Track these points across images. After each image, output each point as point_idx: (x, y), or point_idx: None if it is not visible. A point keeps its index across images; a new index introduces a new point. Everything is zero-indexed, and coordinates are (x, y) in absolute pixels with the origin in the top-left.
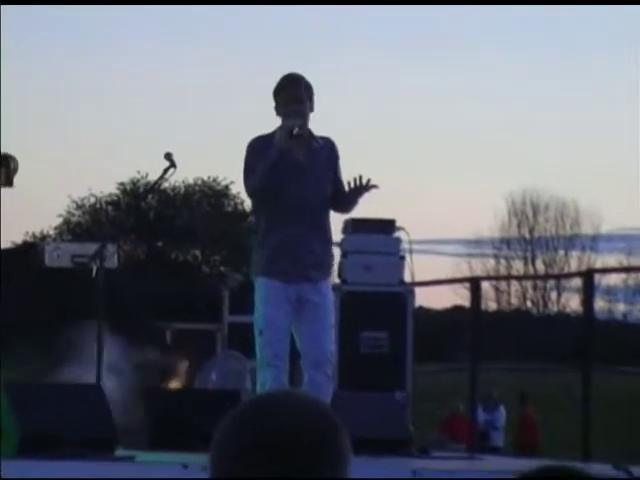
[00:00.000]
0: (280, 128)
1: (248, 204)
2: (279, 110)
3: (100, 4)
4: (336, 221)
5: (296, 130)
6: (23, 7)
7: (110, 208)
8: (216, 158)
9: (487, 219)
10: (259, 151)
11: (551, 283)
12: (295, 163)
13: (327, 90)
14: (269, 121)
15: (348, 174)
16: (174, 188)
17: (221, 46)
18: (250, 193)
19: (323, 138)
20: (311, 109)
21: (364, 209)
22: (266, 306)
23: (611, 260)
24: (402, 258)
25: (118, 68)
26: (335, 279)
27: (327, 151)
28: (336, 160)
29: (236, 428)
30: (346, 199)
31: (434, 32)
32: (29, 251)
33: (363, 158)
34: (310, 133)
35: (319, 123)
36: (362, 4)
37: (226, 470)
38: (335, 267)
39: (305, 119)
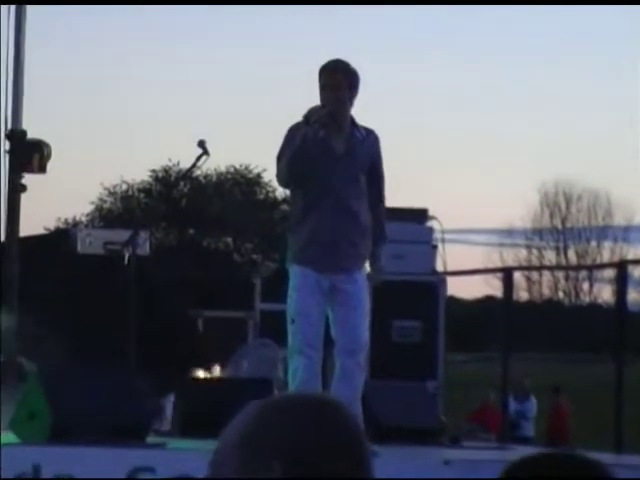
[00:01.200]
0: (310, 114)
1: (280, 192)
2: (320, 92)
3: None
4: None
5: (314, 118)
6: None
7: (142, 195)
8: (249, 146)
9: (519, 209)
10: (296, 135)
11: (583, 274)
12: (332, 152)
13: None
14: (303, 108)
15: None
16: (206, 176)
17: (252, 34)
18: (278, 180)
19: (367, 130)
20: (351, 98)
21: (396, 198)
22: (299, 294)
23: None
24: (434, 247)
25: (150, 53)
26: (367, 268)
27: (369, 144)
28: (377, 154)
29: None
30: (374, 224)
31: (459, 29)
32: (61, 237)
33: (397, 149)
34: (353, 122)
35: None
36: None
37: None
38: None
39: (340, 106)
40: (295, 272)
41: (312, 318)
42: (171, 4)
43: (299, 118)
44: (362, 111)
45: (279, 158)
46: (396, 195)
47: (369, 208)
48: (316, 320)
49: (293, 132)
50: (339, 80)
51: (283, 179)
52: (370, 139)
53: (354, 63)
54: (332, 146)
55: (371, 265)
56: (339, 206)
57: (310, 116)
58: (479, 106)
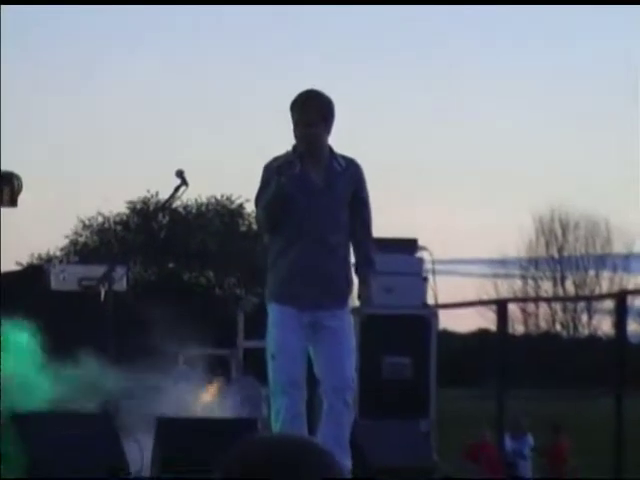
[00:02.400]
0: (277, 165)
1: None
2: (294, 128)
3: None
4: None
5: (287, 169)
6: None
7: (119, 228)
8: (230, 176)
9: (514, 238)
10: (271, 177)
11: (581, 305)
12: (310, 186)
13: (348, 106)
14: (284, 136)
15: (371, 192)
16: (186, 207)
17: (233, 59)
18: (257, 224)
19: (347, 159)
20: (328, 129)
21: (384, 228)
22: (278, 330)
23: None
24: (425, 279)
25: (127, 83)
26: (355, 301)
27: (349, 174)
28: (359, 184)
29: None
30: (356, 253)
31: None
32: (34, 274)
33: (384, 176)
34: (331, 152)
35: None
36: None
37: None
38: (355, 289)
39: (315, 142)
40: (274, 310)
41: (293, 353)
42: (156, 30)
43: (280, 149)
44: (346, 135)
45: (256, 201)
46: (384, 225)
47: (354, 237)
48: (297, 356)
49: (267, 173)
50: (311, 115)
51: (262, 226)
52: (351, 169)
53: (338, 90)
54: (310, 180)
55: (359, 298)
56: (318, 241)
57: (281, 165)
58: (469, 131)
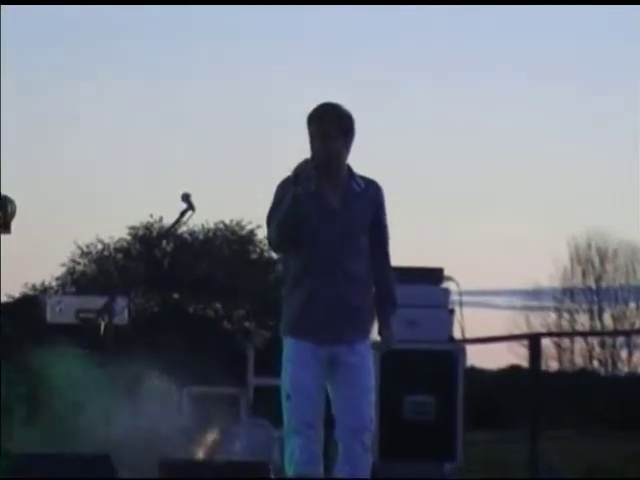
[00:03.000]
0: (294, 174)
1: None
2: (310, 143)
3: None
4: None
5: (303, 175)
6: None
7: (120, 256)
8: (240, 199)
9: (547, 267)
10: (285, 193)
11: (621, 340)
12: (326, 208)
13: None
14: (298, 159)
15: (390, 217)
16: (192, 233)
17: (237, 78)
18: (269, 244)
19: (366, 180)
20: (347, 145)
21: (407, 256)
22: (294, 367)
23: None
24: (451, 312)
25: (131, 100)
26: (375, 336)
27: (369, 196)
28: (379, 207)
29: None
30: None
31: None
32: (29, 305)
33: (406, 201)
34: (350, 172)
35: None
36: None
37: None
38: (375, 323)
39: (333, 157)
40: (289, 344)
41: (309, 393)
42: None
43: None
44: (367, 158)
45: (268, 220)
46: (406, 254)
47: (374, 268)
48: (314, 396)
49: (282, 190)
50: (329, 128)
51: (273, 244)
52: (370, 191)
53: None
54: (326, 201)
55: (380, 333)
56: (336, 269)
57: (298, 174)
58: (498, 152)
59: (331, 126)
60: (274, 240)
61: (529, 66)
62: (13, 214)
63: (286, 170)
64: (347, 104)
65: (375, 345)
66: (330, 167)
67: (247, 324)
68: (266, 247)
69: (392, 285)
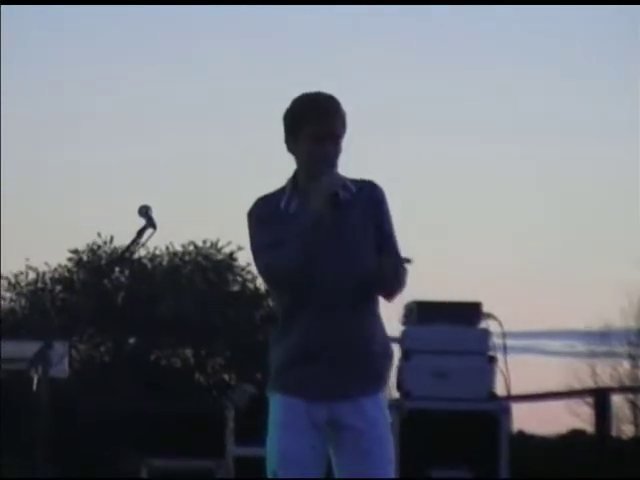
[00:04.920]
0: (315, 190)
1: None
2: (297, 147)
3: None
4: (394, 306)
5: (341, 194)
6: None
7: (58, 288)
8: (215, 214)
9: (617, 302)
10: (270, 220)
11: None
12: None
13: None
14: (285, 160)
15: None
16: (153, 258)
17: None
18: (271, 280)
19: (357, 182)
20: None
21: (436, 288)
22: (282, 434)
23: None
24: (492, 359)
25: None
26: (393, 392)
27: (364, 202)
28: (378, 213)
29: None
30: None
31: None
32: None
33: (434, 216)
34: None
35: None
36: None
37: None
38: (393, 375)
39: (335, 164)
40: (277, 403)
41: (303, 469)
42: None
43: (283, 174)
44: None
45: (263, 249)
46: (434, 284)
47: (380, 295)
48: (309, 472)
49: (267, 210)
50: (338, 126)
51: (281, 280)
52: (364, 193)
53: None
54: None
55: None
56: (337, 303)
57: (329, 193)
58: (555, 166)
59: (339, 125)
60: (287, 273)
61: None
62: None
63: (275, 174)
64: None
65: (393, 405)
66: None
67: (226, 377)
68: (250, 276)
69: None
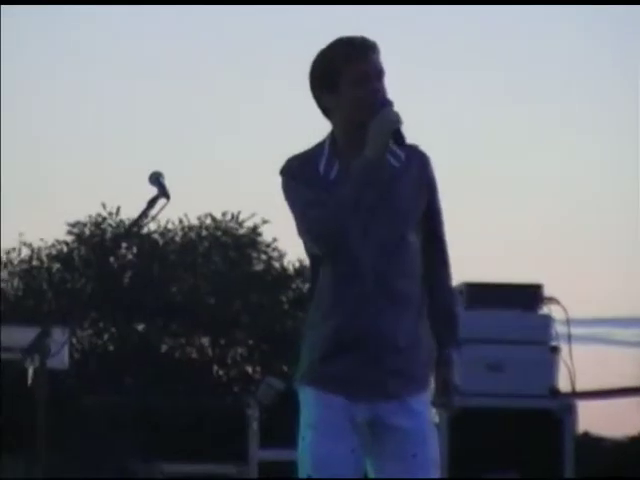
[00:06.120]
0: (374, 126)
1: (293, 259)
2: (338, 97)
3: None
4: None
5: (402, 129)
6: None
7: (57, 267)
8: (235, 183)
9: None
10: (309, 183)
11: None
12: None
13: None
14: (316, 125)
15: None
16: (165, 233)
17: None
18: (325, 238)
19: (404, 148)
20: None
21: (491, 265)
22: (316, 435)
23: None
24: (554, 350)
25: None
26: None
27: (415, 171)
28: (431, 185)
29: None
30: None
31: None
32: None
33: (471, 179)
34: None
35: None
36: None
37: None
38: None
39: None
40: (310, 399)
41: (340, 473)
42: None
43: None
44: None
45: (313, 205)
46: (490, 260)
47: (430, 283)
48: (347, 477)
49: (308, 169)
50: (380, 66)
51: (337, 231)
52: (414, 162)
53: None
54: None
55: (437, 384)
56: (379, 287)
57: (391, 125)
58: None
59: (379, 64)
60: (345, 221)
61: None
62: None
63: (298, 145)
64: None
65: (437, 402)
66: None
67: (249, 369)
68: (276, 254)
69: (453, 302)
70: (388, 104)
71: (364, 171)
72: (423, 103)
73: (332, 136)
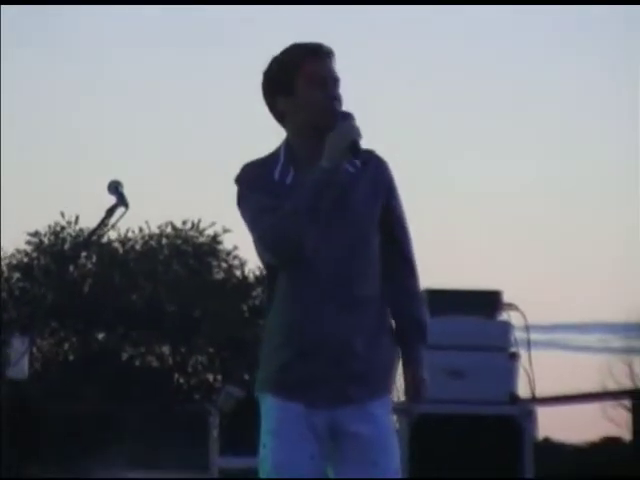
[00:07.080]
0: (332, 137)
1: (253, 267)
2: (293, 100)
3: None
4: None
5: (360, 140)
6: None
7: (16, 276)
8: (195, 191)
9: None
10: (265, 189)
11: None
12: None
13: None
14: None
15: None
16: (125, 241)
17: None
18: (278, 245)
19: (362, 153)
20: None
21: (450, 273)
22: (277, 443)
23: None
24: (513, 356)
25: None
26: (400, 394)
27: (372, 176)
28: (389, 190)
29: None
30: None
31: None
32: None
33: (434, 191)
34: None
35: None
36: None
37: None
38: (399, 374)
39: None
40: (270, 407)
41: None
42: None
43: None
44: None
45: (265, 212)
46: (449, 268)
47: (391, 284)
48: None
49: (264, 174)
50: (336, 72)
51: (293, 245)
52: (372, 168)
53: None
54: None
55: (406, 381)
56: (338, 293)
57: (350, 138)
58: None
59: (337, 72)
60: (300, 230)
61: None
62: None
63: (262, 143)
64: None
65: (401, 409)
66: (323, 134)
67: (209, 377)
68: (236, 262)
69: (419, 308)
70: (349, 117)
71: (320, 181)
72: (388, 105)
73: (287, 142)
